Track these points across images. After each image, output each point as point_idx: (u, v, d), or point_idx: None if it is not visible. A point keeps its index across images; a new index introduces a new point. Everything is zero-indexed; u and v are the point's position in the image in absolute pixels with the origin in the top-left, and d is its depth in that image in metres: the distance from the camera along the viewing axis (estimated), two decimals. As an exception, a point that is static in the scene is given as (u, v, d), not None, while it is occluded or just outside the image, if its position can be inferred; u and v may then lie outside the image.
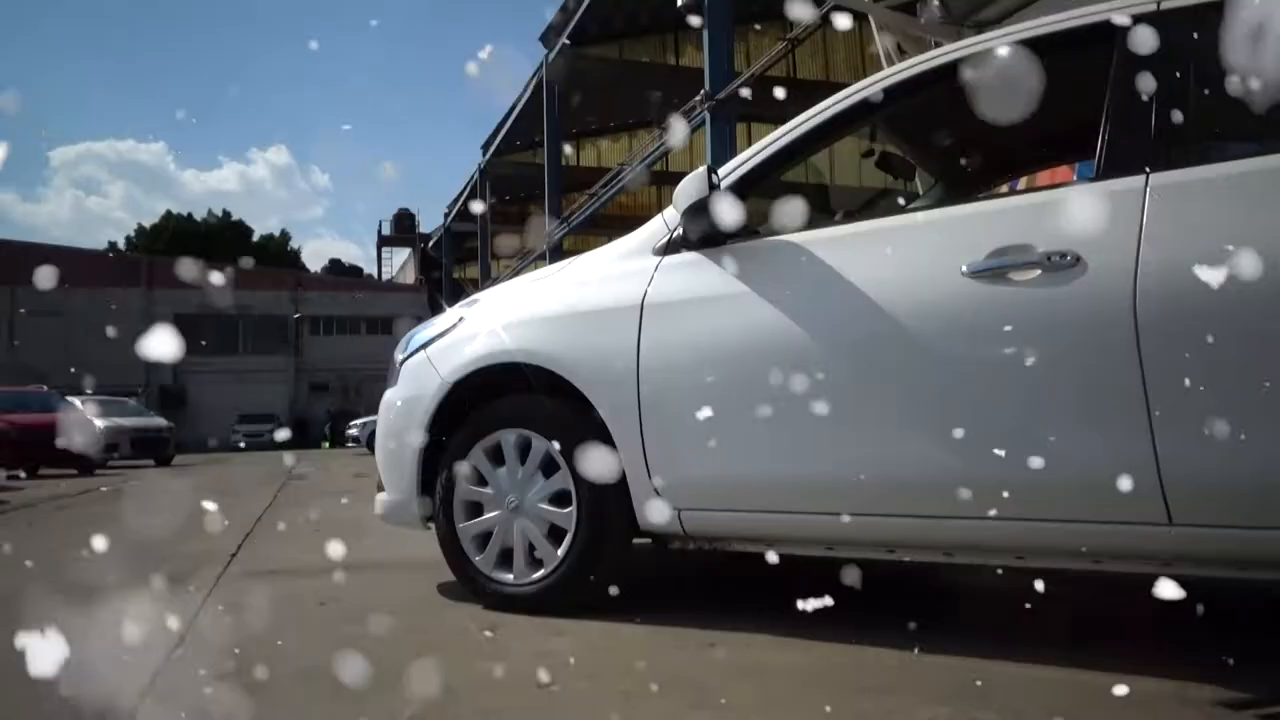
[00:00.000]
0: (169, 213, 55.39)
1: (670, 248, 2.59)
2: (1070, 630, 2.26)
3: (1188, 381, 1.85)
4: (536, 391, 2.67)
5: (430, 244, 36.45)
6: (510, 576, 2.70)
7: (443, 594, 3.00)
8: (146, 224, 55.34)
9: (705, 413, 2.37)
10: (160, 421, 18.09)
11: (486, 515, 2.75)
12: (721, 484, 2.42)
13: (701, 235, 2.49)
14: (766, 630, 2.33)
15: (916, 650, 2.13)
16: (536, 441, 2.68)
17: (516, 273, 18.66)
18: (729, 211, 2.48)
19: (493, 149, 24.45)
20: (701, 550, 2.59)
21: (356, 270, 60.87)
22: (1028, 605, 2.18)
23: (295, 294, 40.90)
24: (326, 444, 31.63)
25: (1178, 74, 2.06)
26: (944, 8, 6.63)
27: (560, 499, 2.63)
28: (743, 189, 2.54)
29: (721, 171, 2.54)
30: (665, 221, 2.64)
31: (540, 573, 2.64)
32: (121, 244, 55.03)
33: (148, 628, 2.38)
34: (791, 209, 2.40)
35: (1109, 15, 2.22)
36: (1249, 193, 1.93)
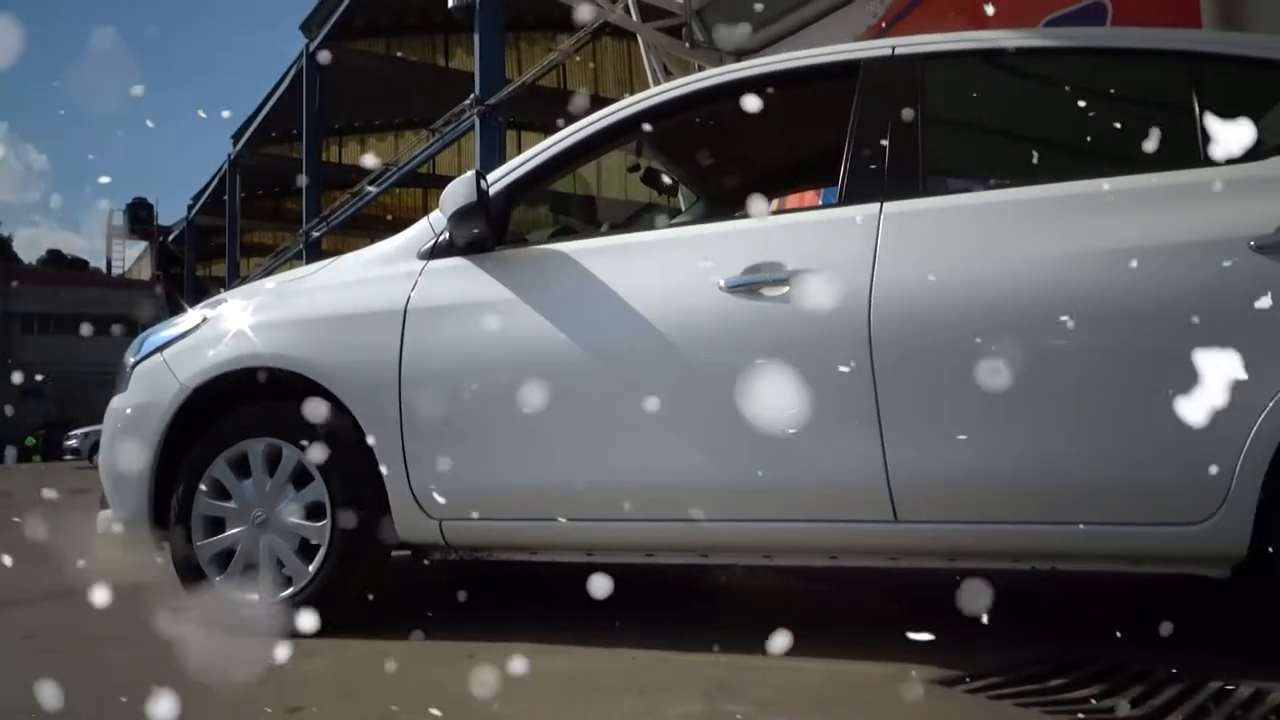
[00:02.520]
0: None
1: (436, 252, 2.53)
2: (813, 622, 2.42)
3: (912, 391, 2.05)
4: (289, 398, 2.51)
5: (170, 238, 33.48)
6: (255, 597, 2.51)
7: (178, 620, 2.74)
8: None
9: (469, 421, 2.33)
10: None
11: (229, 531, 2.55)
12: (485, 493, 2.38)
13: (469, 240, 2.45)
14: (527, 639, 2.32)
15: (675, 650, 2.20)
16: (288, 451, 2.52)
17: (269, 272, 17.55)
18: (497, 218, 2.46)
19: (245, 140, 22.88)
20: (462, 561, 2.54)
21: (81, 263, 54.84)
22: (778, 601, 2.31)
23: (4, 287, 36.19)
24: (37, 457, 28.01)
25: (909, 112, 2.27)
26: (707, 34, 6.95)
27: (313, 512, 2.49)
28: (511, 196, 2.53)
29: (490, 177, 2.51)
30: (431, 225, 2.58)
31: (290, 591, 2.48)
32: None
33: None
34: (560, 218, 2.42)
35: (852, 55, 2.42)
36: (969, 222, 2.16)
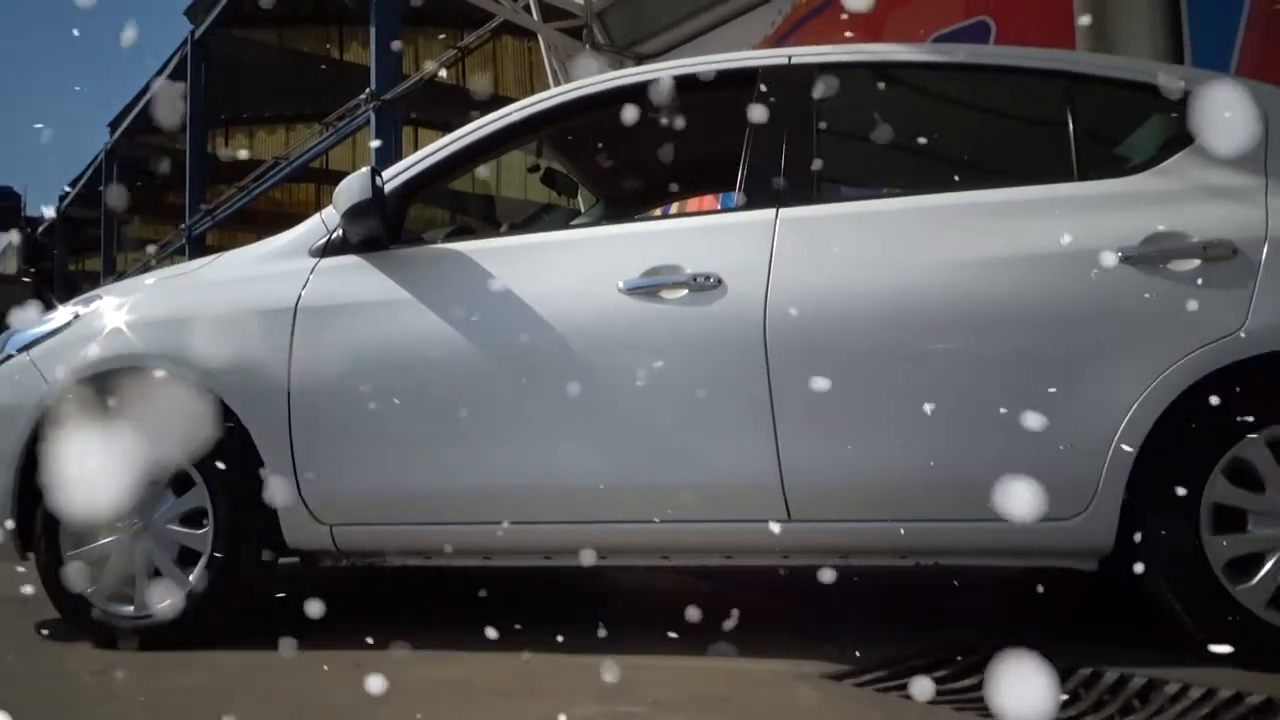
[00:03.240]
0: None
1: (328, 249, 2.46)
2: (708, 621, 2.45)
3: (806, 393, 2.10)
4: (169, 400, 2.40)
5: (40, 229, 31.59)
6: (130, 609, 2.39)
7: (44, 634, 2.59)
8: None
9: (362, 424, 2.28)
10: None
11: (101, 540, 2.42)
12: (379, 497, 2.33)
13: (363, 238, 2.39)
14: (417, 645, 2.28)
15: (570, 652, 2.19)
16: (167, 455, 2.41)
17: (148, 267, 16.73)
18: (392, 215, 2.41)
19: (123, 128, 21.77)
20: (350, 567, 2.47)
21: (-62, 255, 51.16)
22: (674, 600, 2.33)
23: None
24: None
25: (804, 121, 2.33)
26: (608, 37, 6.97)
27: (194, 519, 2.38)
28: (408, 193, 2.48)
29: (386, 174, 2.46)
30: (324, 221, 2.50)
31: (167, 602, 2.36)
32: None
33: None
34: (458, 218, 2.39)
35: (750, 62, 2.47)
36: (860, 229, 2.23)
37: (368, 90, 10.80)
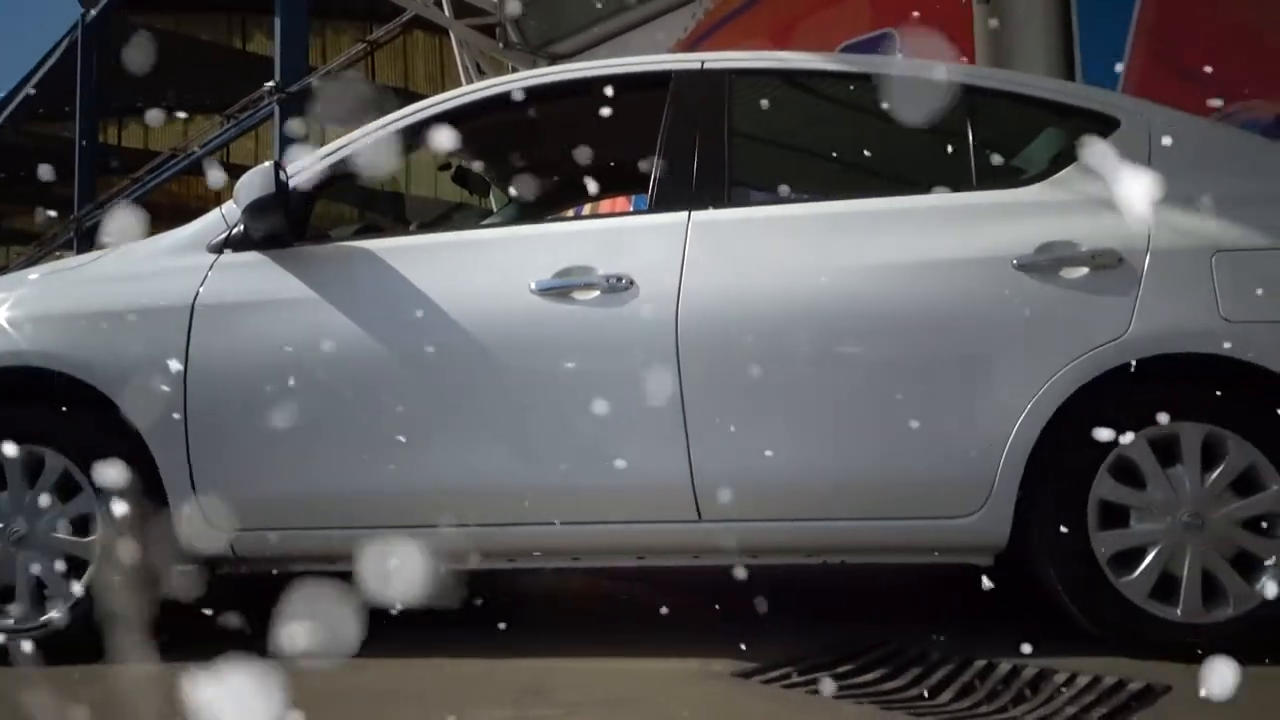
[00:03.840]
0: None
1: (229, 245, 2.38)
2: (619, 622, 2.46)
3: (716, 395, 2.13)
4: (53, 400, 2.29)
5: (-88, 220, 29.66)
6: (10, 621, 2.27)
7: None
8: None
9: (263, 427, 2.20)
10: None
11: (-20, 549, 2.28)
12: (280, 503, 2.26)
13: (266, 234, 2.32)
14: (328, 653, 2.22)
15: (484, 657, 2.17)
16: (51, 458, 2.29)
17: (32, 261, 15.88)
18: (297, 211, 2.35)
19: (6, 114, 20.61)
20: (254, 574, 2.39)
21: None
22: (586, 603, 2.33)
23: None
24: None
25: (717, 125, 2.36)
26: (522, 35, 6.92)
27: (82, 525, 2.27)
28: (314, 189, 2.42)
29: (291, 169, 2.39)
30: (224, 216, 2.42)
31: (51, 614, 2.25)
32: None
33: None
34: (366, 215, 2.34)
35: (664, 66, 2.49)
36: (770, 233, 2.27)
37: (272, 82, 10.49)
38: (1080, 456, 2.06)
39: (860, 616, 2.58)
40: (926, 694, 1.88)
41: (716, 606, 2.32)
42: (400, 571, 2.03)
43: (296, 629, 2.56)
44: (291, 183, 2.34)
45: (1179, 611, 2.01)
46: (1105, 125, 2.30)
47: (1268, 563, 2.00)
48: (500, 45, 6.85)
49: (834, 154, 3.07)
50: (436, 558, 2.31)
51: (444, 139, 2.38)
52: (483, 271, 2.29)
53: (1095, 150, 2.26)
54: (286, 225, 2.30)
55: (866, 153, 2.89)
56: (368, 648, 2.20)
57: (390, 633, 2.09)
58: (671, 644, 2.19)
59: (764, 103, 2.60)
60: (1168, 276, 2.08)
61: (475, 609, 2.78)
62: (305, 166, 2.43)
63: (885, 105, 2.60)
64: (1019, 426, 2.06)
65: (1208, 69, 4.20)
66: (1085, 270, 2.10)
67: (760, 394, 2.13)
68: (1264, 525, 2.02)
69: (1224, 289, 2.05)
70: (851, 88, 2.63)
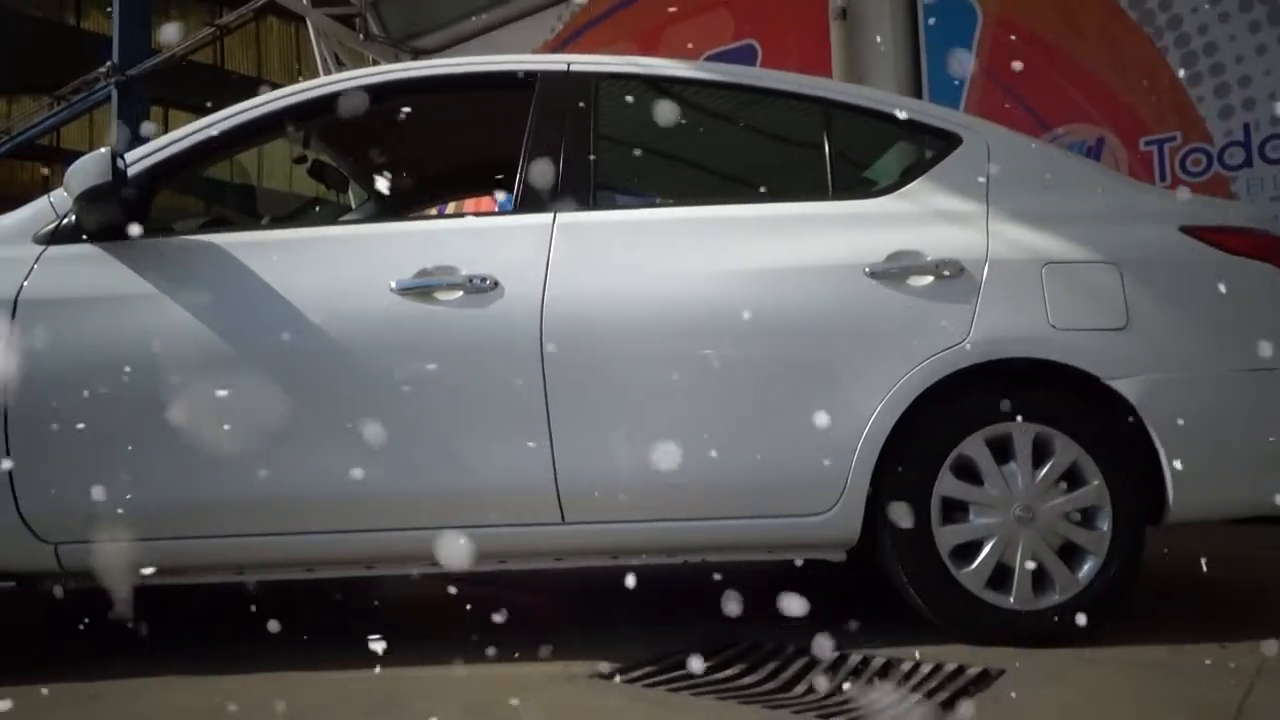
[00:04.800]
0: None
1: (58, 236, 2.21)
2: (478, 627, 2.42)
3: (580, 397, 2.13)
4: None
5: None
6: None
7: None
8: None
9: (93, 431, 2.06)
10: None
11: None
12: (112, 511, 2.11)
13: (100, 225, 2.17)
14: (165, 672, 2.10)
15: (337, 668, 2.10)
16: None
17: None
18: (136, 202, 2.20)
19: None
20: (80, 590, 2.23)
21: None
22: (444, 609, 2.28)
23: None
24: None
25: (582, 127, 2.36)
26: (383, 28, 6.74)
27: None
28: (154, 179, 2.28)
29: (130, 156, 2.25)
30: (53, 205, 2.25)
31: None
32: None
33: None
34: (213, 208, 2.22)
35: (530, 66, 2.47)
36: (634, 236, 2.28)
37: (109, 63, 9.82)
38: (925, 455, 2.17)
39: (721, 614, 2.63)
40: (783, 687, 1.94)
41: (578, 608, 2.32)
42: (250, 581, 1.94)
43: (126, 647, 2.42)
44: (130, 171, 2.20)
45: (1012, 600, 2.15)
46: (949, 142, 2.43)
47: (1090, 552, 2.16)
48: (361, 37, 6.66)
49: (698, 160, 3.13)
50: (289, 566, 2.22)
51: (299, 131, 2.29)
52: (340, 269, 2.22)
53: (940, 165, 2.39)
54: (124, 216, 2.15)
55: (729, 160, 2.96)
56: (202, 665, 2.10)
57: (229, 648, 2.00)
58: (531, 647, 2.17)
59: (630, 107, 2.62)
60: (1004, 286, 2.22)
61: (325, 618, 2.69)
62: (146, 154, 2.29)
63: (747, 114, 2.67)
64: (869, 427, 2.15)
65: (1038, 94, 4.52)
66: (930, 279, 2.22)
67: (623, 396, 2.14)
68: (1086, 517, 2.18)
69: (1053, 298, 2.21)
70: (716, 96, 2.68)
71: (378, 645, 2.20)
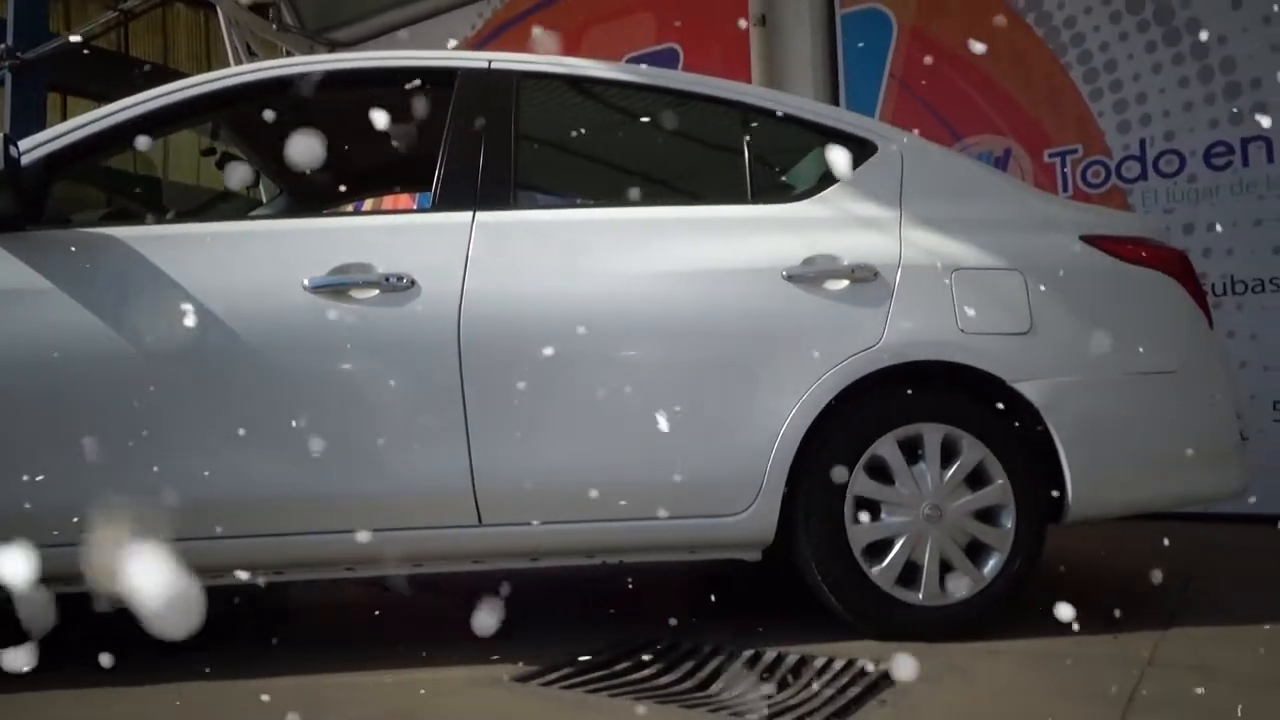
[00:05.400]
0: None
1: (-56, 226, 2.09)
2: (395, 632, 2.38)
3: (498, 398, 2.11)
4: None
5: None
6: None
7: None
8: None
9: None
10: None
11: None
12: (14, 517, 2.01)
13: (-8, 216, 2.06)
14: (59, 685, 2.00)
15: (248, 677, 2.03)
16: None
17: None
18: (32, 192, 2.10)
19: None
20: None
21: None
22: (357, 614, 2.24)
23: None
24: None
25: (503, 126, 2.34)
26: (298, 19, 6.57)
27: None
28: (52, 168, 2.18)
29: (25, 144, 2.14)
30: (-61, 194, 2.12)
31: None
32: None
33: None
34: (116, 198, 2.13)
35: (450, 62, 2.44)
36: (554, 237, 2.28)
37: (2, 46, 9.34)
38: (839, 456, 2.22)
39: (639, 615, 2.65)
40: (699, 686, 1.95)
41: (496, 611, 2.31)
42: (148, 589, 1.86)
43: (20, 655, 2.30)
44: (24, 159, 2.10)
45: (921, 596, 2.21)
46: (865, 149, 2.49)
47: (994, 548, 2.24)
48: (274, 27, 6.48)
49: (619, 162, 3.13)
50: (200, 572, 2.14)
51: (206, 120, 2.22)
52: (250, 266, 2.15)
53: (856, 171, 2.45)
54: (17, 207, 2.05)
55: (650, 162, 2.97)
56: (104, 677, 2.01)
57: (138, 656, 1.92)
58: (450, 652, 2.15)
59: (552, 107, 2.61)
60: (915, 291, 2.29)
61: (240, 625, 2.61)
62: (41, 142, 2.18)
63: (669, 117, 2.69)
64: (785, 429, 2.18)
65: (949, 105, 4.67)
66: (846, 283, 2.26)
67: (541, 397, 2.13)
68: (991, 515, 2.26)
69: (961, 304, 2.28)
70: (638, 98, 2.69)
71: (293, 651, 2.15)
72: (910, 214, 2.40)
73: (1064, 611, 2.03)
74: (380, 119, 2.36)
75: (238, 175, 3.36)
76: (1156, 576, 2.53)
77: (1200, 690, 1.75)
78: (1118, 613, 2.26)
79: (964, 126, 4.64)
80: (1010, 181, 2.86)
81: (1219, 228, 4.07)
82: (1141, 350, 2.34)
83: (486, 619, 2.21)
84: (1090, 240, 2.42)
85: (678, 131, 2.80)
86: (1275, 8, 3.95)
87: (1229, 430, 2.44)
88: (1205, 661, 1.98)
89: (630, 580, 2.94)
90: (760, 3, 5.05)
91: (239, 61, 6.31)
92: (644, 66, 2.94)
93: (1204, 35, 4.10)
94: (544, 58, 2.55)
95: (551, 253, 2.25)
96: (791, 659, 2.09)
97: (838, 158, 2.42)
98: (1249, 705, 1.70)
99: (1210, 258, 4.05)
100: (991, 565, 2.24)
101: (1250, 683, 1.84)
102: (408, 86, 2.43)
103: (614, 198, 2.55)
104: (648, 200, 2.49)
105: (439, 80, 2.40)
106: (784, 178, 2.82)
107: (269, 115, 2.45)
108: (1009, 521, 2.25)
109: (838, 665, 2.03)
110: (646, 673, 2.03)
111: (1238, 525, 3.55)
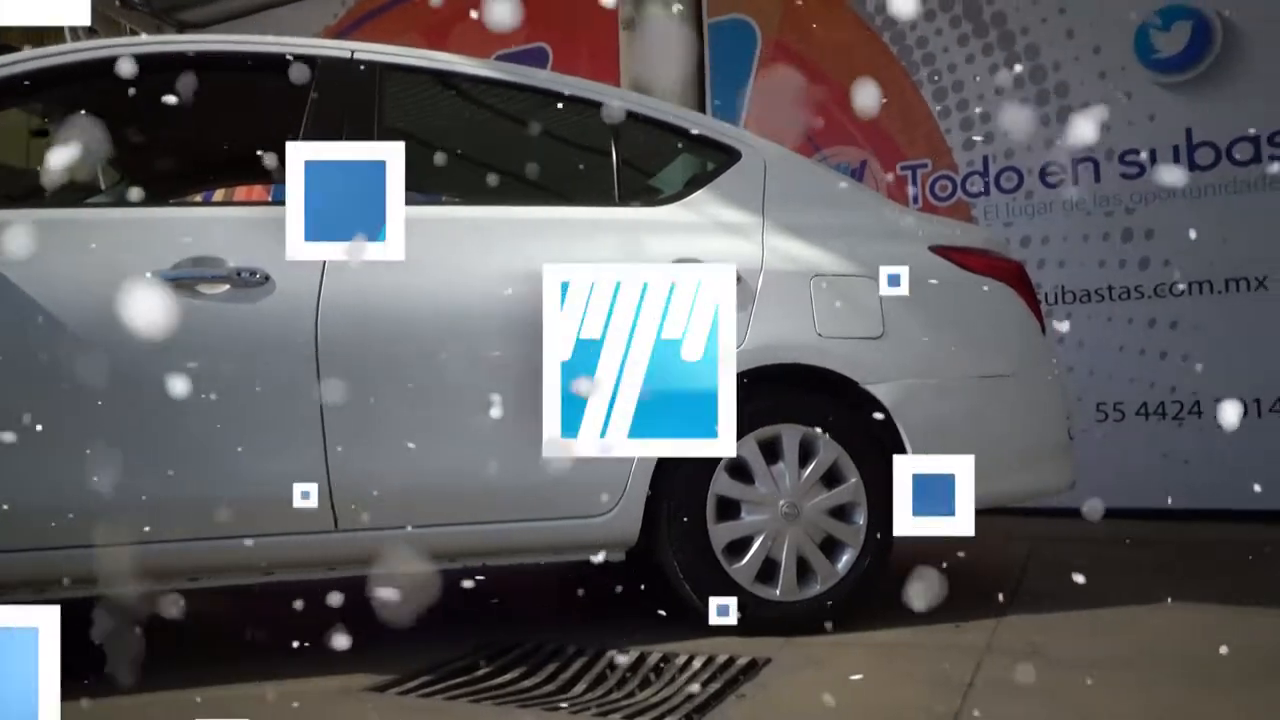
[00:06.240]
0: None
1: None
2: (240, 644, 2.28)
3: (355, 401, 2.04)
4: None
5: None
6: None
7: None
8: None
9: None
10: None
11: None
12: None
13: None
14: None
15: (100, 695, 1.90)
16: None
17: None
18: None
19: None
20: None
21: None
22: (209, 625, 2.13)
23: None
24: None
25: (365, 118, 2.27)
26: (144, -5, 6.19)
27: None
28: None
29: None
30: None
31: None
32: None
33: None
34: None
35: (310, 50, 2.34)
36: (418, 235, 2.20)
37: None
38: (702, 457, 2.25)
39: (505, 619, 2.62)
40: (562, 688, 1.95)
41: (354, 620, 2.24)
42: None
43: None
44: None
45: (778, 592, 2.27)
46: (730, 156, 2.54)
47: (848, 545, 2.33)
48: (117, 3, 6.08)
49: (486, 160, 3.09)
50: (15, 587, 1.99)
51: (38, 99, 2.06)
52: (87, 257, 2.01)
53: (721, 177, 2.50)
54: None
55: (518, 162, 2.94)
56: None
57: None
58: (304, 664, 2.06)
59: (416, 100, 2.55)
60: (776, 295, 2.35)
61: (79, 640, 2.43)
62: None
63: (537, 117, 2.67)
64: (650, 429, 2.20)
65: (810, 118, 4.83)
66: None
67: (400, 399, 2.08)
68: (844, 512, 2.35)
69: (819, 308, 2.36)
70: (507, 97, 2.66)
71: (139, 665, 2.02)
72: (772, 220, 2.47)
73: (911, 604, 2.14)
74: (234, 106, 2.25)
75: (73, 159, 3.14)
76: (994, 569, 2.69)
77: (1033, 672, 1.87)
78: (959, 603, 2.39)
79: (823, 137, 4.82)
80: (866, 192, 2.98)
81: (1052, 241, 4.38)
82: (983, 355, 2.49)
83: (345, 628, 2.14)
84: (938, 250, 2.55)
85: (546, 132, 2.79)
86: (1100, 40, 4.28)
87: (1059, 429, 2.62)
88: (1037, 647, 2.12)
89: (495, 584, 2.91)
90: (629, 6, 5.09)
91: (76, 39, 5.89)
92: (514, 65, 2.92)
93: (1041, 60, 4.40)
94: (410, 50, 2.49)
95: (413, 251, 2.19)
96: (654, 658, 2.11)
97: (704, 164, 2.47)
98: (1077, 685, 1.83)
99: (1044, 269, 4.35)
100: (845, 560, 2.33)
101: (1077, 664, 1.98)
102: (263, 73, 2.33)
103: (480, 196, 2.51)
104: (514, 200, 2.47)
105: (298, 68, 2.30)
106: (651, 181, 2.85)
107: (110, 97, 2.30)
108: (861, 519, 2.35)
109: (698, 663, 2.07)
110: (509, 676, 2.02)
111: (1065, 519, 3.81)
